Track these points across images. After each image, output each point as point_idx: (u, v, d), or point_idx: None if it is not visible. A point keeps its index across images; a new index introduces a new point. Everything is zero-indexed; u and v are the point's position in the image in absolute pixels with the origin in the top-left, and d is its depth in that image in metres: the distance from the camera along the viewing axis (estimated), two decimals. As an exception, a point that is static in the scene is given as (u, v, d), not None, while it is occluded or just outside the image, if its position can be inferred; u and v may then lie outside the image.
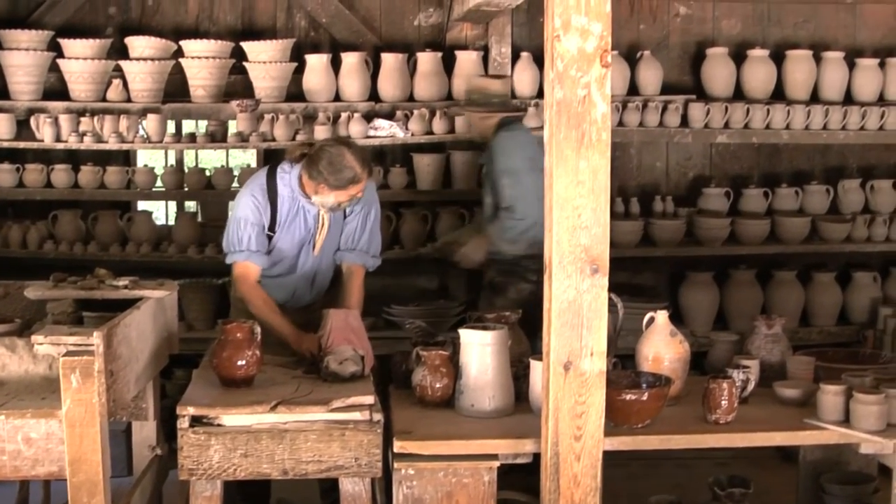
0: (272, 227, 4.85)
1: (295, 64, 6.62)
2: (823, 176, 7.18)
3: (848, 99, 6.89)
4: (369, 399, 3.94)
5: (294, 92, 6.66)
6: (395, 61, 6.62)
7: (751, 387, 4.20)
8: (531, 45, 6.77)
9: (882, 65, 6.90)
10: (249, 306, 4.84)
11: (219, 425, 3.84)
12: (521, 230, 5.66)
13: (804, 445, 4.67)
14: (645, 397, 3.88)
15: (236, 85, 6.69)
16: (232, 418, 3.84)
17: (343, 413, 3.87)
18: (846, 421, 3.95)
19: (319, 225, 4.90)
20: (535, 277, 5.68)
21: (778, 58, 6.88)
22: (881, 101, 6.89)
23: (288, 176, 4.83)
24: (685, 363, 4.25)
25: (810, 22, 7.12)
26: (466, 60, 6.63)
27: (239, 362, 4.10)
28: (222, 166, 6.94)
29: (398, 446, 3.80)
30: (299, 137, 6.28)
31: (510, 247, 5.72)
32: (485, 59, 6.71)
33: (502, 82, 6.02)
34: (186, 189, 6.68)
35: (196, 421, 3.83)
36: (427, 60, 6.63)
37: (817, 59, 6.85)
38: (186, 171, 6.80)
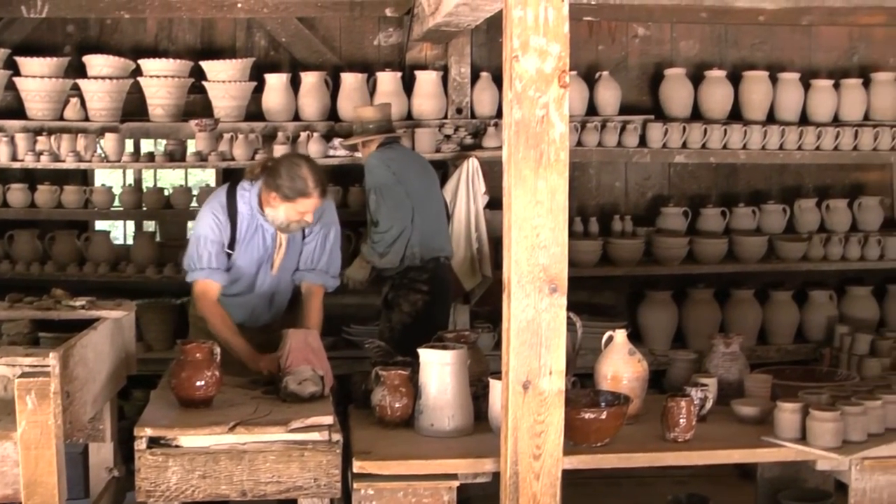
0: (231, 245, 4.83)
1: (254, 83, 6.61)
2: (780, 195, 7.25)
3: (803, 119, 6.96)
4: (328, 419, 3.92)
5: (253, 111, 6.65)
6: (355, 81, 6.62)
7: (709, 405, 4.22)
8: (490, 66, 6.80)
9: (837, 86, 6.99)
10: (208, 324, 4.83)
11: (177, 446, 3.81)
12: (388, 242, 5.79)
13: (762, 463, 4.69)
14: (604, 416, 3.90)
15: (195, 104, 6.67)
16: (190, 439, 3.82)
17: (302, 433, 3.86)
18: (803, 438, 3.98)
19: (277, 244, 4.89)
20: (426, 287, 5.78)
21: (735, 79, 6.95)
22: (836, 121, 6.97)
23: (248, 194, 4.83)
24: (644, 382, 4.27)
25: (767, 43, 7.20)
26: (426, 80, 6.65)
27: (198, 383, 4.07)
28: (181, 186, 6.91)
29: (357, 466, 3.79)
30: (259, 157, 6.26)
31: (381, 260, 5.87)
32: (444, 79, 6.73)
33: (375, 109, 6.13)
34: (145, 208, 6.63)
35: (154, 442, 3.81)
36: (387, 80, 6.64)
37: (773, 80, 6.93)
38: (145, 190, 6.76)
